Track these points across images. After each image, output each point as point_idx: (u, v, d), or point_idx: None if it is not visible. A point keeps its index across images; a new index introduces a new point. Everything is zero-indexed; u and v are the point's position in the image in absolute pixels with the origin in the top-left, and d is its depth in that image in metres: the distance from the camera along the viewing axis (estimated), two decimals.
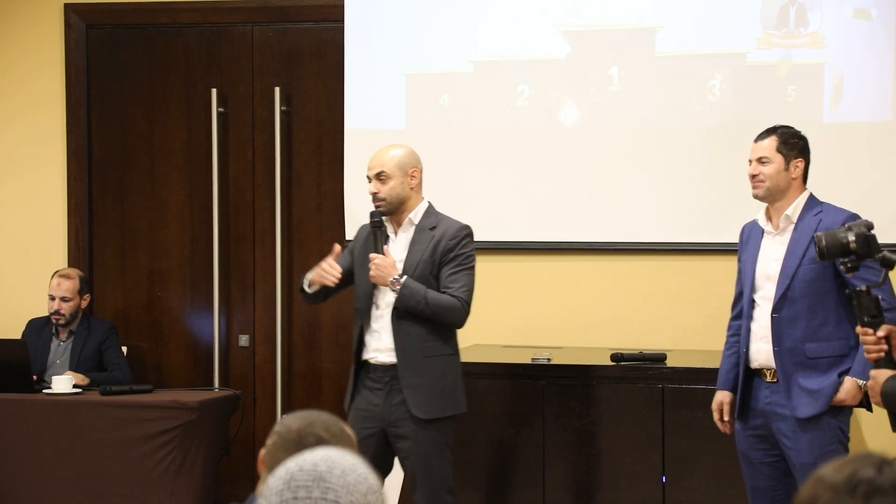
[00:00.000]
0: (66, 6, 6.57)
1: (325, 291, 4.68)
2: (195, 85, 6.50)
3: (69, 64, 6.57)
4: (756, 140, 4.40)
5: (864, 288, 3.51)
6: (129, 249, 6.59)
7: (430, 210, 4.66)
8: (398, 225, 4.63)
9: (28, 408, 5.56)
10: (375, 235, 4.56)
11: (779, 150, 4.31)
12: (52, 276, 6.15)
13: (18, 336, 6.15)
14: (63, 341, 6.12)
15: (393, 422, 4.53)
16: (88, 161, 6.59)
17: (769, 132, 4.37)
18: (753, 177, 4.34)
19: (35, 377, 5.79)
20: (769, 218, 4.38)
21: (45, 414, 5.54)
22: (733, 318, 4.49)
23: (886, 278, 3.66)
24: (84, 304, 6.16)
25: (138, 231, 6.58)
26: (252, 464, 6.16)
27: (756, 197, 4.37)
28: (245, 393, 6.23)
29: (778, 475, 4.32)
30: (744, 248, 4.47)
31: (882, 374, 3.47)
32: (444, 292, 4.53)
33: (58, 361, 6.08)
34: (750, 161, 4.38)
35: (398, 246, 4.61)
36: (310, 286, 4.66)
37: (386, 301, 4.57)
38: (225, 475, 6.15)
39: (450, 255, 4.57)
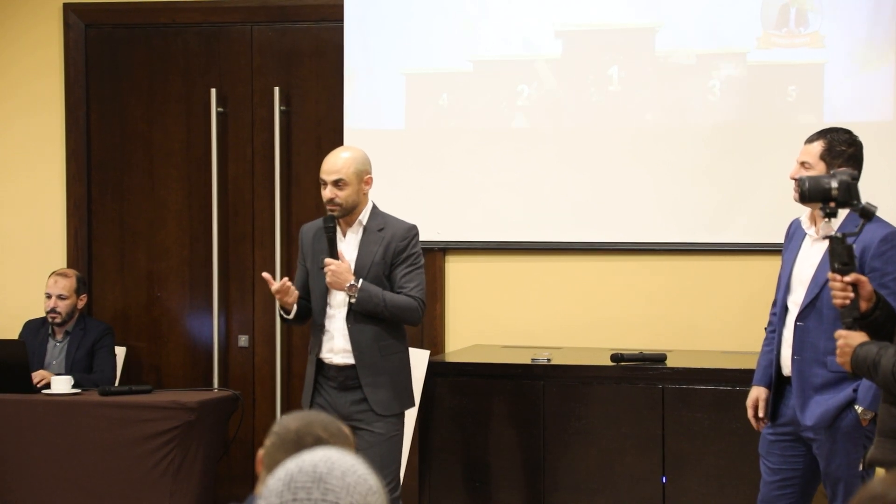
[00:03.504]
0: (65, 6, 6.57)
1: (303, 311, 4.73)
2: (194, 85, 6.50)
3: (68, 64, 6.56)
4: (806, 141, 4.21)
5: (839, 235, 3.51)
6: (129, 249, 6.58)
7: (376, 210, 4.73)
8: (347, 226, 4.70)
9: (27, 408, 5.56)
10: (331, 240, 4.61)
11: (822, 157, 4.12)
12: (50, 276, 6.14)
13: (16, 337, 6.14)
14: (59, 342, 6.11)
15: (350, 416, 4.61)
16: (87, 161, 6.59)
17: (819, 135, 4.17)
18: (794, 180, 4.13)
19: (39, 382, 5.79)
20: (813, 221, 4.20)
21: (44, 414, 5.54)
22: (774, 314, 4.33)
23: (863, 229, 3.62)
24: (81, 304, 6.15)
25: (137, 231, 6.57)
26: (251, 464, 6.15)
27: (795, 200, 4.15)
28: (244, 393, 6.23)
29: (789, 491, 4.25)
30: (786, 245, 4.32)
31: (854, 337, 3.47)
32: (399, 292, 4.64)
33: (54, 362, 6.07)
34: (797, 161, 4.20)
35: (347, 246, 4.68)
36: (287, 313, 4.71)
37: (338, 302, 4.66)
38: (224, 475, 6.14)
39: (401, 255, 4.68)
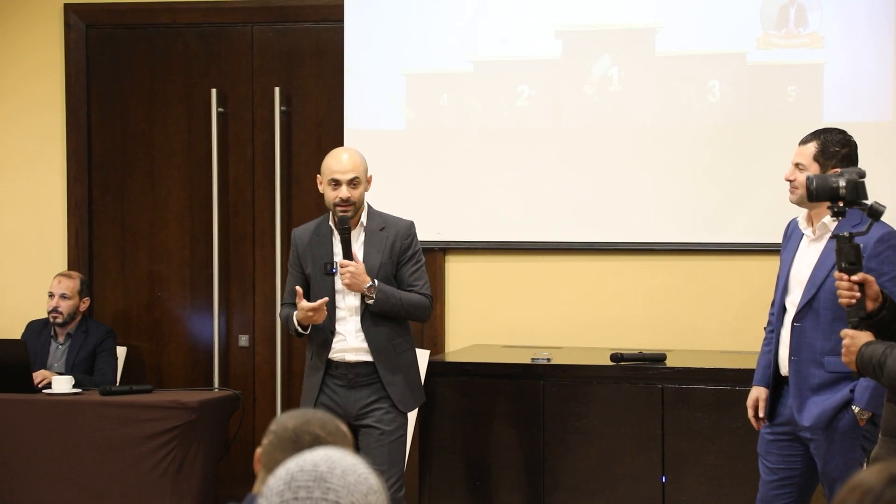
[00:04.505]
0: (66, 6, 6.58)
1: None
2: (195, 85, 6.50)
3: (69, 64, 6.57)
4: (800, 143, 4.22)
5: (846, 234, 3.50)
6: (130, 250, 6.59)
7: (372, 210, 4.73)
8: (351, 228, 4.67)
9: (28, 408, 5.56)
10: (346, 241, 4.57)
11: (815, 159, 4.13)
12: (55, 277, 6.16)
13: (17, 337, 6.14)
14: (61, 344, 6.12)
15: (358, 414, 4.62)
16: (88, 161, 6.59)
17: (813, 136, 4.19)
18: (789, 181, 4.18)
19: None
20: (809, 222, 4.21)
21: (45, 414, 5.54)
22: (773, 314, 4.34)
23: (871, 227, 3.61)
24: (83, 306, 6.16)
25: (138, 231, 6.58)
26: (252, 464, 6.15)
27: (791, 201, 4.22)
28: (245, 393, 6.24)
29: (787, 490, 4.25)
30: (784, 246, 4.32)
31: (860, 336, 3.46)
32: (410, 290, 4.66)
33: (55, 364, 6.07)
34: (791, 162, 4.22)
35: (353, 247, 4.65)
36: (304, 328, 4.65)
37: (347, 304, 4.64)
38: (225, 475, 6.14)
39: (407, 253, 4.70)
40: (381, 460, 4.52)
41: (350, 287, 4.57)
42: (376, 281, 4.58)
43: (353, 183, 4.57)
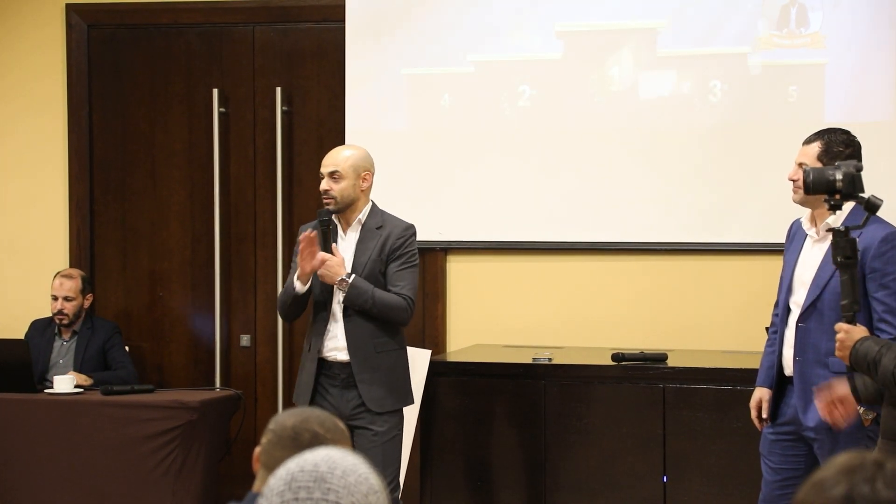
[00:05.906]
0: (68, 6, 6.58)
1: (303, 300, 4.69)
2: (196, 85, 6.50)
3: (70, 64, 6.57)
4: (803, 142, 4.21)
5: (843, 228, 3.48)
6: (131, 249, 6.59)
7: (375, 210, 4.76)
8: (347, 224, 4.72)
9: (29, 408, 5.57)
10: (325, 234, 4.62)
11: (819, 159, 4.10)
12: (55, 277, 6.15)
13: (21, 336, 6.15)
14: (66, 341, 6.12)
15: (349, 415, 4.62)
16: (90, 161, 6.59)
17: (817, 136, 4.17)
18: (792, 181, 4.16)
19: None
20: (813, 222, 4.19)
21: (47, 414, 5.55)
22: (776, 314, 4.32)
23: (868, 220, 3.58)
24: (87, 303, 6.17)
25: (140, 231, 6.58)
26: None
27: (794, 201, 4.20)
28: (246, 393, 6.24)
29: (790, 491, 4.24)
30: (788, 246, 4.31)
31: (855, 332, 3.43)
32: (390, 290, 4.65)
33: (61, 361, 6.08)
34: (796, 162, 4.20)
35: (347, 244, 4.70)
36: (303, 284, 4.62)
37: (338, 300, 4.67)
38: (226, 475, 6.14)
39: (396, 253, 4.69)
40: (376, 461, 4.52)
41: (323, 278, 4.61)
42: (353, 276, 4.59)
43: (333, 176, 4.65)
